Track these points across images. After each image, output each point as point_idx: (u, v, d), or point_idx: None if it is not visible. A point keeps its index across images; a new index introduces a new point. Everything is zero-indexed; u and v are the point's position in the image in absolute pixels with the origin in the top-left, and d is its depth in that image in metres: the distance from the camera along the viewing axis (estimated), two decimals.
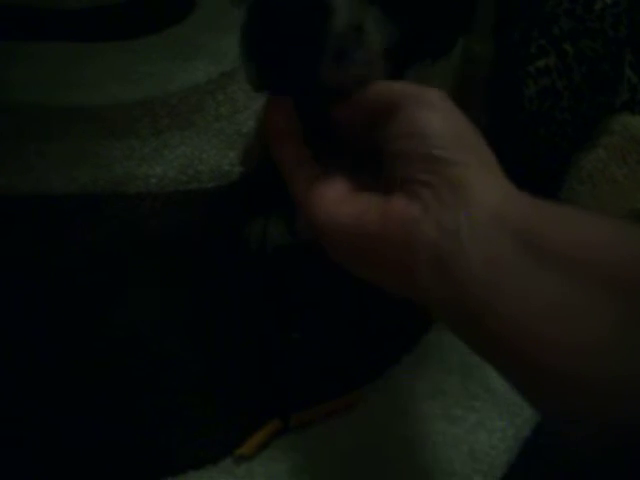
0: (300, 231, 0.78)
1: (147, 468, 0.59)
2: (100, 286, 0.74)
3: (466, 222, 0.38)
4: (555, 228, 0.37)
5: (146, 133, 0.99)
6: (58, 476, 0.58)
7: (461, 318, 0.38)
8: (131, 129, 1.00)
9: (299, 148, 0.49)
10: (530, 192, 0.88)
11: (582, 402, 0.33)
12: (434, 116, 0.43)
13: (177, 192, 0.88)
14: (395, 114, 0.44)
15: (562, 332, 0.34)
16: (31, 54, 1.19)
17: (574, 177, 0.82)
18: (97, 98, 1.06)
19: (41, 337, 0.69)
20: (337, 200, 0.44)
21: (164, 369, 0.67)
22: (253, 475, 0.59)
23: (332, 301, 0.75)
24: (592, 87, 0.81)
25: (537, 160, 0.85)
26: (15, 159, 0.93)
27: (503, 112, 0.78)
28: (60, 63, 1.17)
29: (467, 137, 0.43)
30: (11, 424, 0.62)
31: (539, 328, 0.34)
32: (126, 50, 1.22)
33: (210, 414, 0.63)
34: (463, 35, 0.69)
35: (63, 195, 0.86)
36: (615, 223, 0.37)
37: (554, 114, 0.82)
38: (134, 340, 0.69)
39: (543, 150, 0.84)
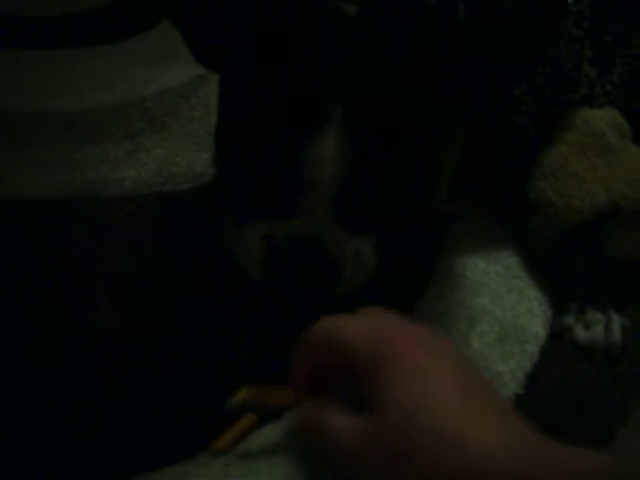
0: None
1: (123, 463, 0.59)
2: (77, 289, 0.75)
3: None
4: None
5: (120, 137, 1.00)
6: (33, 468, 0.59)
7: None
8: (105, 133, 1.00)
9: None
10: (499, 193, 0.89)
11: None
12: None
13: (151, 194, 0.89)
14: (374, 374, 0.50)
15: None
16: (5, 61, 1.20)
17: (537, 174, 0.83)
18: (72, 103, 1.07)
19: (20, 339, 0.70)
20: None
21: (141, 364, 0.68)
22: (230, 469, 0.59)
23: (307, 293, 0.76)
24: (555, 87, 0.83)
25: (502, 163, 0.86)
26: None
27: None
28: (35, 70, 1.17)
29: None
30: None
31: None
32: (100, 56, 1.23)
33: (185, 407, 0.64)
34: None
35: (38, 200, 0.87)
36: None
37: (514, 119, 0.83)
38: (113, 338, 0.70)
39: (506, 153, 0.86)
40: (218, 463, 0.60)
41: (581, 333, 0.76)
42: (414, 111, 0.66)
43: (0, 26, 1.33)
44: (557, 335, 0.77)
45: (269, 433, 0.63)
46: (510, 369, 0.72)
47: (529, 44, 0.71)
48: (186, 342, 0.71)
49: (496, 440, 0.44)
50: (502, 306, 0.78)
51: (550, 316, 0.80)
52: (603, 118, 0.84)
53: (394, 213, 0.70)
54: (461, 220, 0.89)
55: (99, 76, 1.16)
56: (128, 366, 0.68)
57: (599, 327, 0.76)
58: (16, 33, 1.31)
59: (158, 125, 1.03)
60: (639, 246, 0.86)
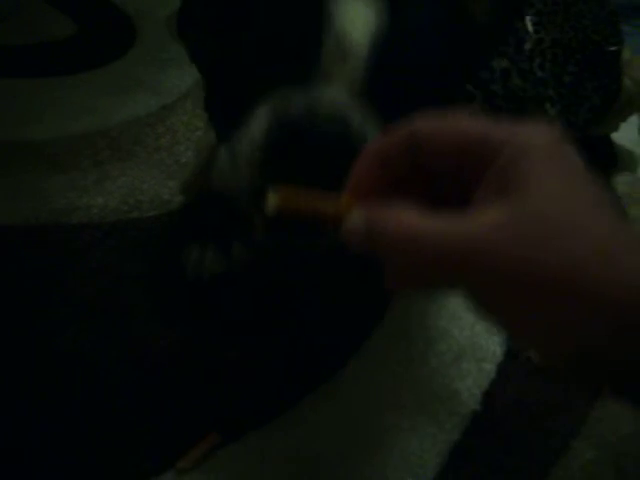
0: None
1: None
2: (44, 315, 0.76)
3: None
4: None
5: (87, 165, 1.01)
6: None
7: None
8: (73, 161, 1.02)
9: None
10: None
11: None
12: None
13: (118, 221, 0.91)
14: (491, 161, 0.39)
15: None
16: None
17: None
18: (40, 132, 1.08)
19: None
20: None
21: (105, 387, 0.69)
22: None
23: (268, 320, 0.78)
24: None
25: None
26: None
27: None
28: (3, 98, 1.18)
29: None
30: None
31: None
32: (68, 85, 1.24)
33: (150, 429, 0.65)
34: None
35: (6, 226, 0.88)
36: None
37: None
38: (75, 361, 0.71)
39: None
40: None
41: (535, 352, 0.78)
42: None
43: None
44: (513, 353, 0.79)
45: (232, 452, 0.64)
46: (467, 387, 0.74)
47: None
48: (152, 367, 0.72)
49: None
50: (460, 326, 0.81)
51: (507, 335, 0.82)
52: None
53: None
54: None
55: (66, 105, 1.17)
56: (93, 389, 0.69)
57: None
58: None
59: (124, 154, 1.05)
60: None
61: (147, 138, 1.09)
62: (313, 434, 0.67)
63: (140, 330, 0.76)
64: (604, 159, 1.20)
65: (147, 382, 0.70)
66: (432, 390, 0.73)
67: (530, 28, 0.89)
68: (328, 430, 0.67)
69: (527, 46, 0.85)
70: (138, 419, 0.66)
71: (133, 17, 1.51)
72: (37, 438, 0.64)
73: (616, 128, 1.17)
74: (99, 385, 0.69)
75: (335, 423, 0.68)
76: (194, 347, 0.74)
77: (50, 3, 1.55)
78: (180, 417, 0.67)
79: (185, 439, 0.64)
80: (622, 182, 1.20)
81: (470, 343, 0.79)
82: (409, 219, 0.37)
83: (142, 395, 0.69)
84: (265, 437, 0.66)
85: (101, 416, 0.66)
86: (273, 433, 0.66)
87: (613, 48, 0.99)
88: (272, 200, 0.41)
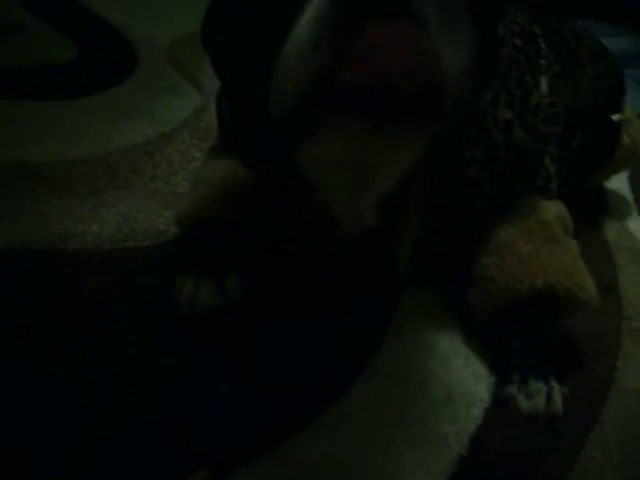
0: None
1: None
2: (37, 339, 0.76)
3: None
4: None
5: (84, 191, 1.02)
6: None
7: None
8: (70, 187, 1.02)
9: None
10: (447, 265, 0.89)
11: None
12: None
13: (113, 250, 0.90)
14: None
15: None
16: None
17: (483, 251, 0.86)
18: (38, 155, 1.08)
19: None
20: None
21: (95, 416, 0.69)
22: None
23: (260, 353, 0.78)
24: (515, 177, 0.86)
25: (454, 237, 0.89)
26: None
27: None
28: (3, 120, 1.18)
29: None
30: None
31: None
32: (68, 109, 1.25)
33: (139, 462, 0.65)
34: None
35: (3, 249, 0.87)
36: None
37: (475, 202, 0.85)
38: (68, 387, 0.71)
39: (460, 230, 0.88)
40: None
41: (524, 403, 0.79)
42: None
43: None
44: (501, 399, 0.79)
45: None
46: (455, 431, 0.74)
47: None
48: (143, 398, 0.72)
49: None
50: (449, 369, 0.81)
51: (495, 380, 0.83)
52: (553, 210, 0.88)
53: None
54: (416, 285, 0.93)
55: (65, 130, 1.18)
56: (84, 417, 0.68)
57: (540, 397, 0.79)
58: None
59: (121, 182, 1.05)
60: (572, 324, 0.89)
61: (144, 167, 1.10)
62: (302, 473, 0.67)
63: (132, 360, 0.76)
64: (594, 206, 1.22)
65: (137, 413, 0.70)
66: (421, 433, 0.73)
67: (544, 88, 0.89)
68: (317, 469, 0.67)
69: (533, 99, 0.86)
70: (127, 451, 0.66)
71: (135, 44, 1.53)
72: (28, 464, 0.63)
73: (608, 179, 1.19)
74: (90, 413, 0.69)
75: (324, 462, 0.68)
76: (186, 379, 0.74)
77: (53, 25, 1.56)
78: (169, 452, 0.66)
79: (173, 475, 0.63)
80: (612, 229, 1.21)
81: (459, 387, 0.79)
82: None
83: (131, 427, 0.68)
84: (255, 474, 0.65)
85: (90, 446, 0.66)
86: (262, 470, 0.66)
87: (616, 117, 1.01)
88: None
